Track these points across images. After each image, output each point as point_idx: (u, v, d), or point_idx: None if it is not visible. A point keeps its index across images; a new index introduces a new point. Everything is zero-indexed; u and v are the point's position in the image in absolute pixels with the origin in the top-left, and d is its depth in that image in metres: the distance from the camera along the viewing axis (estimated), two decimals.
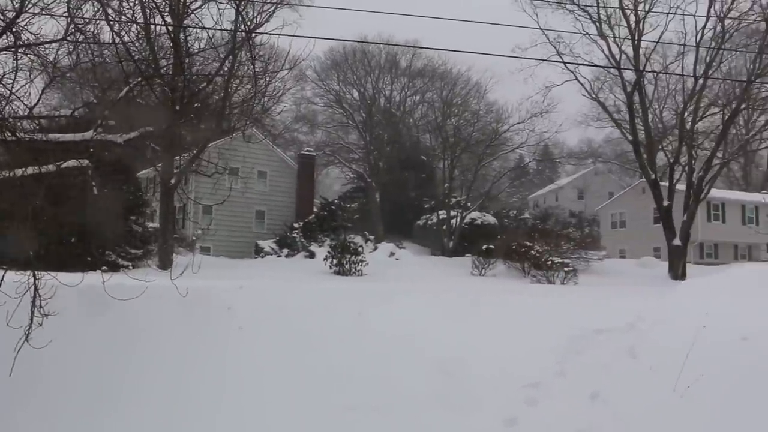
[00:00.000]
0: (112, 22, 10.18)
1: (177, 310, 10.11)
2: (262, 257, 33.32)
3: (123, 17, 11.49)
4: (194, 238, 31.74)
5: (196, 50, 24.09)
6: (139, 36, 17.26)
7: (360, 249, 27.82)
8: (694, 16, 34.17)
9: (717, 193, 42.82)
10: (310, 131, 57.63)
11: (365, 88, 53.44)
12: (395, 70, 53.59)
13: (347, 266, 26.39)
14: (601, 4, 32.03)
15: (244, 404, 8.01)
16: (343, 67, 51.97)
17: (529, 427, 7.58)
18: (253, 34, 22.27)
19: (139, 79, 11.90)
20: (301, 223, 36.78)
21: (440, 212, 42.29)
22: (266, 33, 23.45)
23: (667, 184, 32.88)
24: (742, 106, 32.93)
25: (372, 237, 37.82)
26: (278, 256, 33.47)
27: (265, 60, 25.51)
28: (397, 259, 33.48)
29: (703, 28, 31.04)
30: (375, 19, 68.73)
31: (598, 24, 32.56)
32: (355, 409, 7.76)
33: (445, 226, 41.58)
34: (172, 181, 24.02)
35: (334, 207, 40.16)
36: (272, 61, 25.54)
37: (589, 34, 32.56)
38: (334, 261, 26.53)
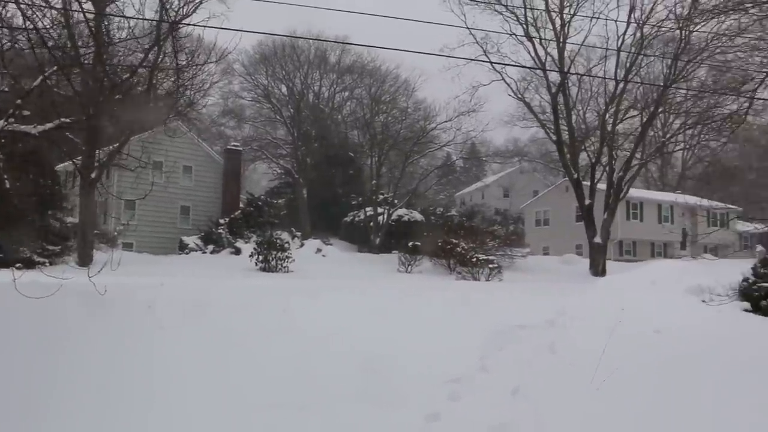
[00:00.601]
0: (23, 6, 9.71)
1: (95, 308, 9.79)
2: (187, 253, 32.69)
3: (38, 1, 10.99)
4: (116, 233, 30.90)
5: (118, 39, 23.37)
6: (55, 22, 16.61)
7: (286, 245, 27.60)
8: (616, 21, 35.29)
9: (635, 192, 44.19)
10: (237, 126, 56.82)
11: (294, 84, 53.06)
12: (324, 65, 53.39)
13: (273, 263, 26.16)
14: (528, 6, 32.62)
15: (167, 405, 7.80)
16: (271, 62, 51.38)
17: (451, 422, 7.61)
18: (178, 26, 21.77)
19: (56, 68, 11.45)
20: (227, 219, 36.23)
21: (367, 209, 42.34)
22: (191, 24, 22.89)
23: (589, 183, 33.72)
24: (659, 110, 34.02)
25: (299, 233, 37.58)
26: (203, 253, 32.91)
27: (190, 52, 24.94)
28: (323, 255, 33.38)
29: (624, 33, 32.05)
30: (305, 13, 68.34)
31: (524, 26, 33.12)
32: (278, 406, 7.65)
33: (372, 223, 41.65)
34: (93, 175, 23.28)
35: (260, 203, 39.70)
36: (198, 54, 25.00)
37: (516, 36, 33.12)
38: (260, 257, 26.25)
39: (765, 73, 9.33)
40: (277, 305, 11.54)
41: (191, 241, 33.84)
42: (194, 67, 24.11)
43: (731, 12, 10.40)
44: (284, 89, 53.10)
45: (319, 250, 34.21)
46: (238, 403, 7.81)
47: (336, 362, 9.22)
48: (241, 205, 39.15)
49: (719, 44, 23.95)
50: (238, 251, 31.64)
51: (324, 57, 52.60)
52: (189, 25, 23.58)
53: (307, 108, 52.54)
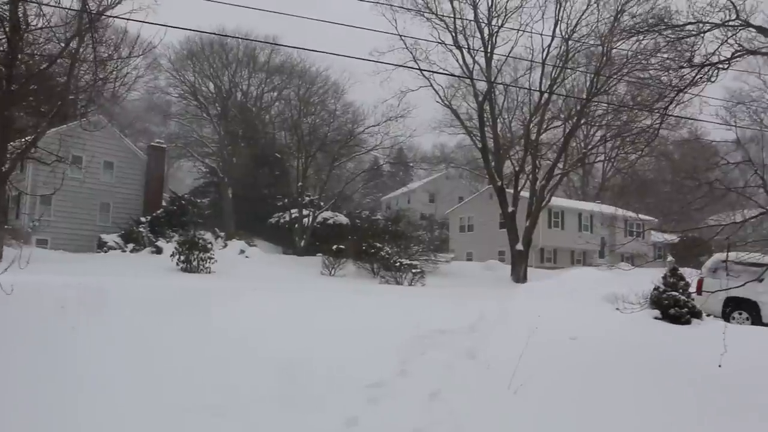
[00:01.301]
0: None
1: (1, 309, 9.40)
2: (105, 252, 31.77)
3: None
4: (29, 229, 29.79)
5: (35, 27, 22.47)
6: None
7: (209, 246, 27.15)
8: (542, 35, 36.05)
9: (557, 201, 45.26)
10: (162, 122, 55.59)
11: (222, 81, 52.24)
12: (253, 64, 52.73)
13: (195, 263, 25.68)
14: (457, 16, 33.07)
15: (74, 411, 7.54)
16: (199, 58, 50.40)
17: (370, 426, 7.61)
18: (101, 17, 21.13)
19: None
20: (149, 218, 35.38)
21: (293, 211, 42.10)
22: (114, 16, 22.22)
23: (512, 191, 34.38)
24: (582, 122, 34.98)
25: (223, 234, 37.01)
26: (123, 251, 32.04)
27: (114, 44, 24.24)
28: (247, 257, 32.99)
29: (549, 46, 32.99)
30: (234, 11, 67.52)
31: (454, 34, 33.61)
32: (193, 410, 7.48)
33: (297, 225, 41.42)
34: (5, 168, 22.34)
35: (184, 202, 38.90)
36: (121, 47, 24.32)
37: (445, 43, 33.58)
38: (182, 257, 25.73)
39: (676, 92, 9.69)
40: (196, 306, 11.35)
41: (110, 239, 32.88)
42: (117, 60, 23.43)
43: (646, 33, 10.81)
44: (212, 87, 52.27)
45: (242, 251, 33.77)
46: (151, 407, 7.60)
47: (255, 365, 9.11)
48: (164, 204, 38.28)
49: (638, 62, 24.80)
50: (159, 250, 30.93)
51: (253, 56, 51.97)
52: (112, 17, 22.87)
53: (235, 107, 51.83)
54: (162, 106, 53.60)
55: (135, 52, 23.12)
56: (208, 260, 26.03)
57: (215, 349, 9.56)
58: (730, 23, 8.85)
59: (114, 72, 24.19)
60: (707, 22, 9.18)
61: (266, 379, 8.64)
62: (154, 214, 35.74)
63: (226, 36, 44.61)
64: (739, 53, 8.81)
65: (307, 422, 7.51)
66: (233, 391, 8.14)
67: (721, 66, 8.91)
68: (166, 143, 44.27)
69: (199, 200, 42.47)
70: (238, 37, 45.26)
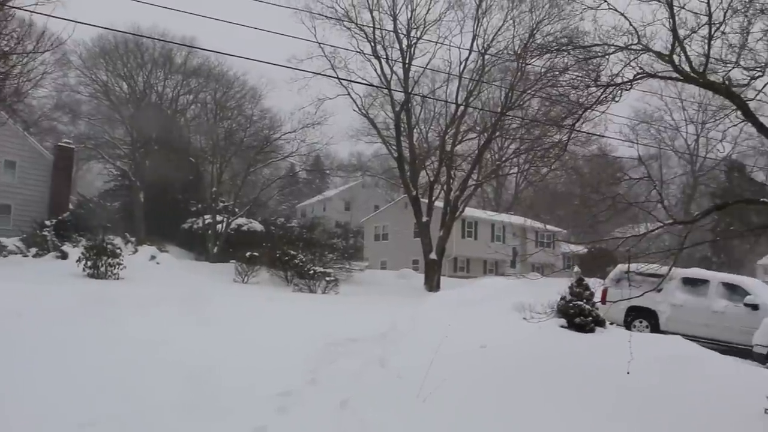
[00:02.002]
0: None
1: None
2: (5, 256, 30.35)
3: None
4: None
5: None
6: None
7: (118, 251, 26.32)
8: (459, 48, 36.78)
9: (471, 212, 46.06)
10: (71, 122, 53.36)
11: (136, 82, 50.73)
12: (169, 66, 51.42)
13: (103, 269, 24.82)
14: (377, 26, 33.30)
15: None
16: (112, 57, 48.70)
17: None
18: (2, 7, 20.19)
19: None
20: (54, 221, 34.06)
21: (207, 216, 41.38)
22: (17, 7, 21.22)
23: (427, 200, 34.79)
24: (496, 134, 35.73)
25: (133, 239, 35.94)
26: (24, 256, 30.70)
27: (16, 37, 23.14)
28: (158, 263, 32.15)
29: (466, 59, 33.52)
30: (150, 10, 65.70)
31: (373, 44, 33.82)
32: (95, 424, 7.22)
33: (210, 231, 40.74)
34: None
35: (93, 205, 37.64)
36: (26, 41, 23.22)
37: (364, 53, 33.75)
38: (88, 263, 24.85)
39: (583, 110, 10.06)
40: (102, 314, 11.02)
41: (11, 243, 31.48)
42: (22, 54, 22.39)
43: (557, 51, 11.19)
44: (125, 87, 50.69)
45: (153, 257, 32.91)
46: (49, 419, 7.32)
47: (162, 374, 8.93)
48: (71, 207, 36.92)
49: (549, 79, 25.57)
50: (64, 255, 29.78)
51: (169, 57, 50.70)
52: (14, 7, 21.80)
53: (149, 109, 50.49)
54: (71, 104, 51.55)
55: (41, 47, 22.06)
56: (117, 266, 25.21)
57: (122, 356, 9.32)
58: (633, 47, 9.25)
59: (18, 66, 23.05)
60: (612, 45, 9.58)
61: (173, 388, 8.47)
62: (60, 218, 34.38)
63: (140, 36, 43.36)
64: (640, 76, 9.21)
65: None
66: (139, 401, 7.94)
67: (623, 87, 9.29)
68: (75, 144, 42.62)
69: (109, 204, 41.19)
70: (152, 38, 44.06)
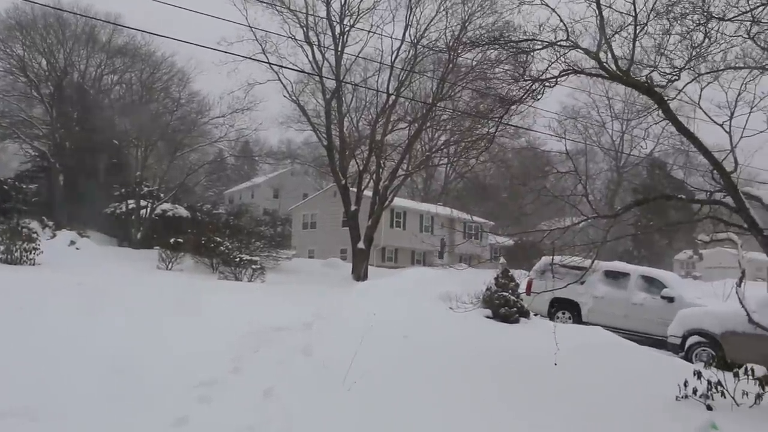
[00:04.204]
0: None
1: None
2: None
3: None
4: None
5: None
6: None
7: (35, 235, 25.44)
8: (392, 38, 36.82)
9: (400, 202, 46.27)
10: None
11: (56, 59, 48.72)
12: (93, 44, 49.62)
13: (17, 254, 23.92)
14: (310, 12, 32.99)
15: None
16: (30, 31, 46.61)
17: (200, 425, 7.41)
18: None
19: None
20: None
21: (130, 201, 40.37)
22: None
23: (356, 189, 34.77)
24: (426, 125, 35.95)
25: (51, 223, 34.82)
26: None
27: None
28: (78, 248, 31.19)
29: (398, 49, 33.53)
30: None
31: (305, 29, 33.51)
32: (5, 416, 6.92)
33: (134, 216, 39.79)
34: None
35: (7, 187, 36.23)
36: None
37: (296, 39, 33.42)
38: (1, 247, 23.92)
39: (510, 103, 10.20)
40: (14, 301, 10.58)
41: None
42: None
43: (488, 45, 11.31)
44: (44, 63, 48.57)
45: (73, 243, 31.90)
46: None
47: (79, 364, 8.63)
48: None
49: (480, 71, 25.88)
50: None
51: (92, 34, 48.84)
52: None
53: (70, 87, 48.67)
54: None
55: None
56: (33, 251, 24.34)
57: (35, 347, 8.97)
58: (561, 43, 9.40)
59: None
60: (541, 41, 9.72)
61: (90, 378, 8.20)
62: None
63: (60, 10, 41.35)
64: (566, 72, 9.37)
65: (133, 423, 7.20)
66: (55, 392, 7.66)
67: (550, 82, 9.44)
68: None
69: (25, 186, 39.74)
70: (74, 12, 42.49)
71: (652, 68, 9.58)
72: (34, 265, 23.86)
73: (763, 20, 9.26)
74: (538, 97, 9.63)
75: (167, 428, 7.21)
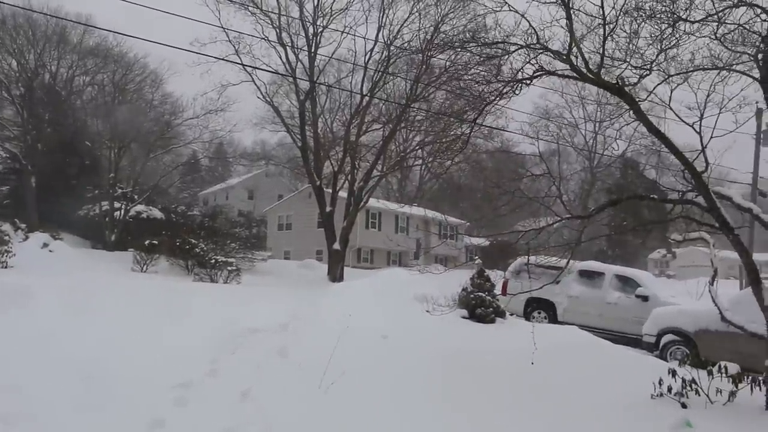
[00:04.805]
0: None
1: None
2: None
3: None
4: None
5: None
6: None
7: (6, 238, 25.16)
8: (365, 38, 36.84)
9: (375, 203, 46.31)
10: None
11: (27, 60, 48.07)
12: (64, 44, 49.00)
13: None
14: (283, 13, 32.89)
15: None
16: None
17: (177, 428, 7.40)
18: None
19: None
20: None
21: (104, 203, 39.98)
22: None
23: (331, 191, 34.75)
24: (401, 126, 35.99)
25: (24, 225, 34.38)
26: None
27: None
28: (51, 251, 30.82)
29: (372, 50, 33.54)
30: None
31: (278, 30, 33.38)
32: None
33: (108, 218, 39.42)
34: None
35: None
36: None
37: (269, 40, 33.29)
38: None
39: (484, 104, 10.28)
40: None
41: None
42: None
43: (461, 47, 11.38)
44: (14, 64, 47.91)
45: (46, 245, 31.52)
46: None
47: (52, 368, 8.55)
48: None
49: (454, 72, 25.97)
50: None
51: (63, 35, 48.26)
52: None
53: (42, 88, 48.05)
54: None
55: None
56: (5, 254, 24.08)
57: (6, 351, 8.88)
58: (532, 46, 9.48)
59: None
60: (513, 43, 9.80)
61: (64, 382, 8.15)
62: None
63: (30, 10, 40.73)
64: (538, 73, 9.46)
65: (108, 427, 7.18)
66: (25, 398, 7.59)
67: (522, 83, 9.53)
68: None
69: None
70: (44, 13, 41.75)
71: (622, 62, 9.71)
72: (6, 267, 23.59)
73: (727, 21, 9.47)
74: (515, 93, 9.72)
75: (143, 430, 7.20)
